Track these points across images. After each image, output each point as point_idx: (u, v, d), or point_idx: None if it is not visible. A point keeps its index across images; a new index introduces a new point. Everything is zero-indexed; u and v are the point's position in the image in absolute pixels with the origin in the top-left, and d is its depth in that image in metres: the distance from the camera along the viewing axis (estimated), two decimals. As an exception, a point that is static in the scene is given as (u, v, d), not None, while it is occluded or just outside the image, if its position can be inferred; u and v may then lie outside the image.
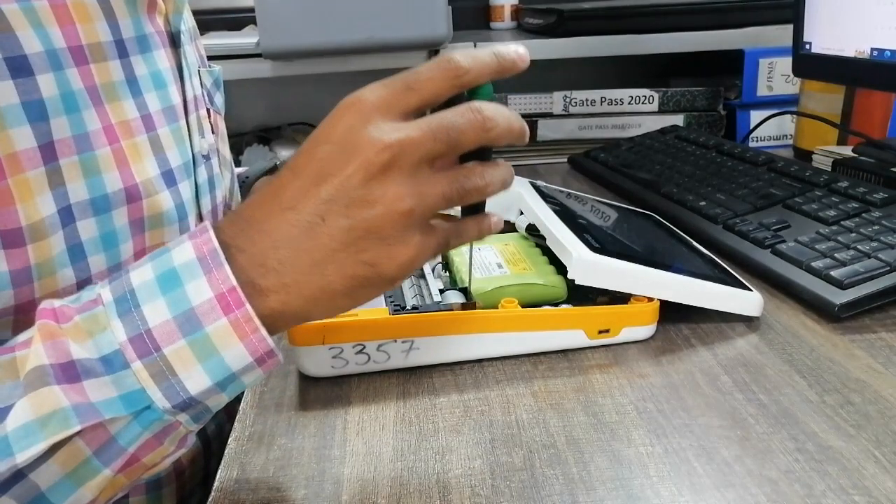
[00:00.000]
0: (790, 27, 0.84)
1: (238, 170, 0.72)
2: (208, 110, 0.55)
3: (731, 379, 0.47)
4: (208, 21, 1.19)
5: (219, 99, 0.60)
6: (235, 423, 0.45)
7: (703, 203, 0.71)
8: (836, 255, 0.56)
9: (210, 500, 0.39)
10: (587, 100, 1.05)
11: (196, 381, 0.34)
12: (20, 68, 0.37)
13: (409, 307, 0.50)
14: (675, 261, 0.56)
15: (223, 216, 0.58)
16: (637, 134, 0.99)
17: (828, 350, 0.49)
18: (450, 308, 0.50)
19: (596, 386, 0.47)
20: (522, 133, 0.38)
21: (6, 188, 0.37)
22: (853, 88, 0.89)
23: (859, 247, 0.56)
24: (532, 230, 0.60)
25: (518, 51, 0.38)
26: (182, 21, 0.51)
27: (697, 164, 0.82)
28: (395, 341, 0.48)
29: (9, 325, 0.39)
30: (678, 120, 1.05)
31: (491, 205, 0.41)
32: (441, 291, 0.53)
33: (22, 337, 0.35)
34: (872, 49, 0.73)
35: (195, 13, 0.58)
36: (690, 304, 0.52)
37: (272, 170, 0.74)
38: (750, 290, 0.55)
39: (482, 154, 0.38)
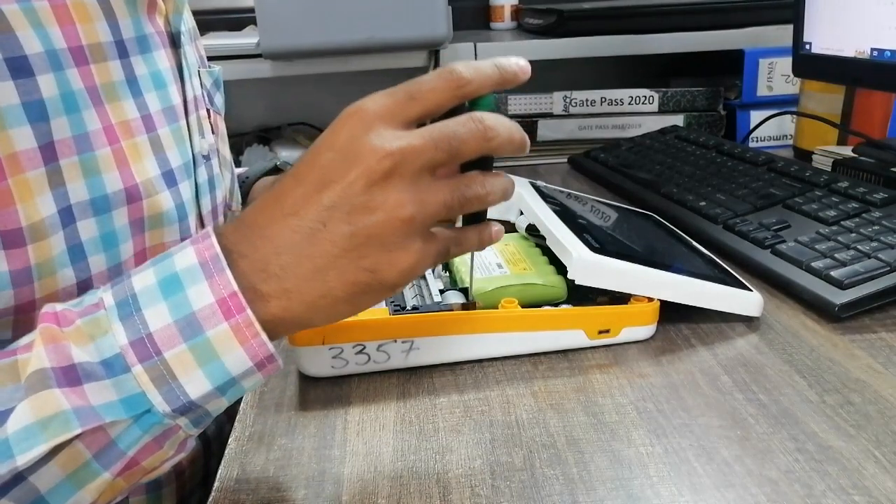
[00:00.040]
0: (790, 27, 0.84)
1: (238, 170, 0.72)
2: (208, 110, 0.55)
3: (731, 379, 0.47)
4: (208, 21, 1.19)
5: (219, 99, 0.60)
6: (235, 424, 0.45)
7: (703, 203, 0.71)
8: (836, 255, 0.56)
9: (210, 500, 0.39)
10: (587, 100, 1.05)
11: (196, 385, 0.34)
12: (20, 69, 0.37)
13: (409, 307, 0.50)
14: (675, 261, 0.56)
15: (224, 219, 0.58)
16: (637, 134, 1.00)
17: (828, 350, 0.49)
18: (450, 308, 0.50)
19: (596, 386, 0.47)
20: (523, 144, 0.39)
21: (6, 188, 0.37)
22: (853, 88, 0.89)
23: (859, 247, 0.56)
24: (532, 230, 0.60)
25: (519, 63, 0.38)
26: (182, 21, 0.51)
27: (697, 165, 0.82)
28: (395, 341, 0.48)
29: (9, 325, 0.39)
30: (678, 120, 1.05)
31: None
32: (441, 291, 0.53)
33: (24, 340, 0.35)
34: (872, 49, 0.73)
35: (195, 13, 0.58)
36: (690, 304, 0.52)
37: (272, 170, 0.74)
38: (750, 290, 0.55)
39: (483, 164, 0.39)
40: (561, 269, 0.52)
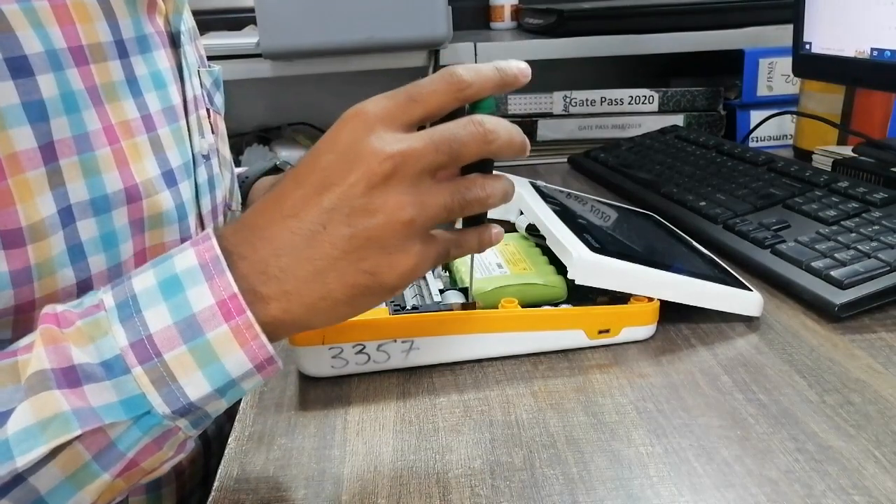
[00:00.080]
0: (790, 27, 0.84)
1: (238, 170, 0.72)
2: (208, 110, 0.55)
3: (731, 379, 0.47)
4: (208, 21, 1.19)
5: (219, 99, 0.60)
6: (235, 423, 0.45)
7: (703, 203, 0.71)
8: (836, 255, 0.56)
9: (210, 499, 0.39)
10: (587, 100, 1.05)
11: (196, 387, 0.34)
12: (20, 69, 0.37)
13: (409, 307, 0.50)
14: (675, 261, 0.56)
15: (224, 219, 0.58)
16: (637, 134, 0.99)
17: (828, 350, 0.49)
18: (450, 308, 0.50)
19: (596, 386, 0.47)
20: (523, 147, 0.39)
21: (6, 188, 0.37)
22: (853, 88, 0.89)
23: (859, 247, 0.56)
24: (532, 230, 0.60)
25: (520, 66, 0.38)
26: (182, 21, 0.51)
27: (697, 164, 0.82)
28: (395, 341, 0.48)
29: (9, 325, 0.39)
30: (678, 120, 1.05)
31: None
32: (441, 291, 0.53)
33: (24, 341, 0.35)
34: (872, 49, 0.73)
35: (195, 13, 0.58)
36: (690, 304, 0.52)
37: (272, 170, 0.74)
38: (750, 290, 0.55)
39: (484, 167, 0.39)
40: (561, 269, 0.52)
